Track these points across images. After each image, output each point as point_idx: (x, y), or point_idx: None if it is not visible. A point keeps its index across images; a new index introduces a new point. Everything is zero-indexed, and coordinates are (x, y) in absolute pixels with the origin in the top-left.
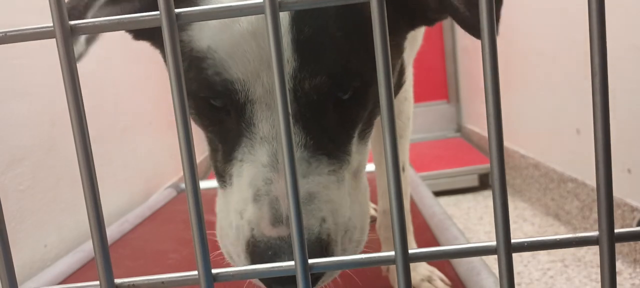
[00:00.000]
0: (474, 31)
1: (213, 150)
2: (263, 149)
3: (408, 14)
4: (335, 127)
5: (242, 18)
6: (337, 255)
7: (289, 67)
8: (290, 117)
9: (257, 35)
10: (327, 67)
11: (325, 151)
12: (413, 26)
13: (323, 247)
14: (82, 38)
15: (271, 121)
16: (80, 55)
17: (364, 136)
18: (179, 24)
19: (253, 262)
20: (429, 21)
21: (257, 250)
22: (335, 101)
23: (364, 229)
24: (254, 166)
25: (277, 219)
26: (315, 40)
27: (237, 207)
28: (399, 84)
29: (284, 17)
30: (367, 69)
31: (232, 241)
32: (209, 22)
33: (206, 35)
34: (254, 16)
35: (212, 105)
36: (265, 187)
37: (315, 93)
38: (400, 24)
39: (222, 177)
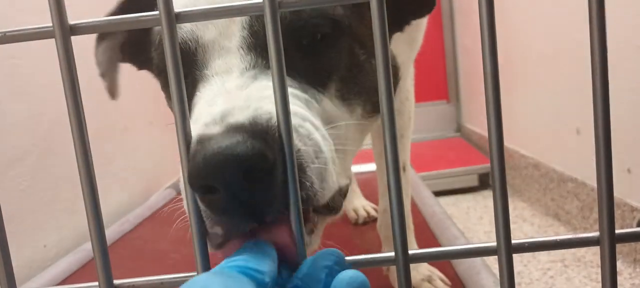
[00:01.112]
0: None
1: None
2: (213, 83)
3: (400, 12)
4: (301, 69)
5: None
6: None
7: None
8: (290, 117)
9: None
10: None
11: (295, 74)
12: (406, 23)
13: (263, 133)
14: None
15: (224, 58)
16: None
17: (345, 100)
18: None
19: (191, 166)
20: (418, 12)
21: (193, 154)
22: (300, 45)
23: (337, 171)
24: (202, 100)
25: (210, 122)
26: None
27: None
28: (396, 80)
29: None
30: (340, 16)
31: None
32: None
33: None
34: None
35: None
36: (207, 108)
37: (282, 25)
38: (395, 23)
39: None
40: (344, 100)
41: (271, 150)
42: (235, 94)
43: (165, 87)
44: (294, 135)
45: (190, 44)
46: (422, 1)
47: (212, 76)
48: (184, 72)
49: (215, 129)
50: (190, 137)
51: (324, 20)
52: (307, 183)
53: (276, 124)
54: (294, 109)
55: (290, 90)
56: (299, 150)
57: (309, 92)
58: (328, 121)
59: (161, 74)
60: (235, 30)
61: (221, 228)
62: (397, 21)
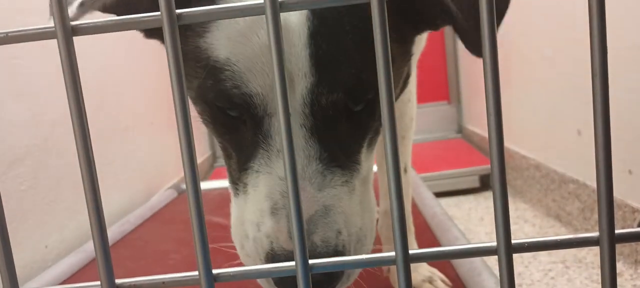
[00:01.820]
0: (472, 46)
1: (227, 156)
2: (280, 162)
3: (412, 19)
4: (347, 138)
5: (262, 31)
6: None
7: (306, 82)
8: (291, 117)
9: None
10: (343, 83)
11: (338, 163)
12: (418, 30)
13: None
14: (76, 3)
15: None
16: (74, 18)
17: (371, 144)
18: (195, 30)
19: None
20: (435, 26)
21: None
22: (348, 113)
23: (373, 235)
24: (271, 178)
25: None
26: (333, 56)
27: (254, 218)
28: (405, 86)
29: (302, 31)
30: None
31: (249, 252)
32: (228, 32)
33: (225, 46)
34: None
35: (228, 114)
36: (282, 200)
37: (331, 108)
38: (407, 31)
39: (236, 184)
40: (370, 145)
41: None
42: (309, 193)
43: (213, 121)
44: (353, 249)
45: (258, 109)
46: (438, 25)
47: (278, 152)
48: (241, 116)
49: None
50: (191, 137)
51: (369, 90)
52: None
53: (350, 247)
54: (357, 216)
55: (339, 177)
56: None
57: (352, 167)
58: (364, 184)
59: (211, 107)
60: (296, 106)
61: None
62: (415, 22)
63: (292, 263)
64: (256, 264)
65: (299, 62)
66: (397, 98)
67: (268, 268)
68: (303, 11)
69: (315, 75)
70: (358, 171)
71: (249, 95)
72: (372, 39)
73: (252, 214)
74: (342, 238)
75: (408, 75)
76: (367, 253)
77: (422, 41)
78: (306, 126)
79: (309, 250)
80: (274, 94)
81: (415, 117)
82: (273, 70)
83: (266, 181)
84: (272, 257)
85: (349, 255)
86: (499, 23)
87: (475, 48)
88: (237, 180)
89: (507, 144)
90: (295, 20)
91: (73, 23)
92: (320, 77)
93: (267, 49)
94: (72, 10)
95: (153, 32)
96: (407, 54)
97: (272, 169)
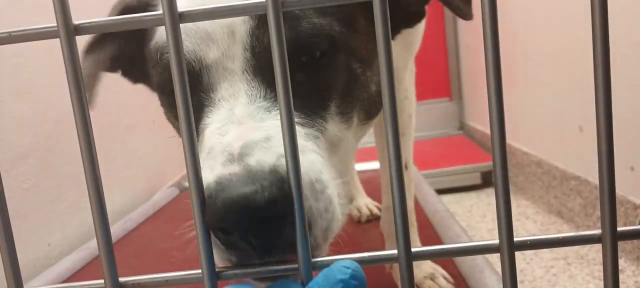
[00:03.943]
0: (459, 11)
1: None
2: (221, 109)
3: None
4: (304, 92)
5: None
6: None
7: (246, 26)
8: (293, 117)
9: (206, 5)
10: (289, 24)
11: (295, 110)
12: (396, 30)
13: (281, 182)
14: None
15: (229, 81)
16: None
17: (346, 118)
18: (147, 37)
19: (210, 207)
20: (410, 23)
21: (209, 194)
22: (300, 64)
23: (340, 204)
24: (211, 126)
25: (227, 159)
26: None
27: (205, 165)
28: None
29: None
30: (337, 33)
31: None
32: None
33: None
34: None
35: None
36: (218, 139)
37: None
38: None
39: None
40: (343, 115)
41: (288, 200)
42: (249, 125)
43: (168, 106)
44: (308, 191)
45: (193, 64)
46: (412, 13)
47: (219, 100)
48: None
49: (234, 169)
50: (194, 135)
51: (321, 38)
52: (311, 240)
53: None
54: (312, 158)
55: (299, 127)
56: (310, 207)
57: (315, 119)
58: (332, 149)
59: (163, 93)
60: (237, 51)
61: (230, 261)
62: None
63: (295, 266)
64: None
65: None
66: (377, 87)
67: (269, 269)
68: None
69: (256, 17)
70: (322, 126)
71: (189, 61)
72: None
73: (203, 164)
74: (283, 164)
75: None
76: (332, 214)
77: (414, 44)
78: (248, 70)
79: (244, 175)
80: (211, 45)
81: (414, 114)
82: (207, 25)
83: (208, 132)
84: (207, 193)
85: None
86: None
87: (462, 11)
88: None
89: (509, 140)
90: None
91: (75, 22)
92: (262, 17)
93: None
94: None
95: (139, 79)
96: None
97: (214, 118)
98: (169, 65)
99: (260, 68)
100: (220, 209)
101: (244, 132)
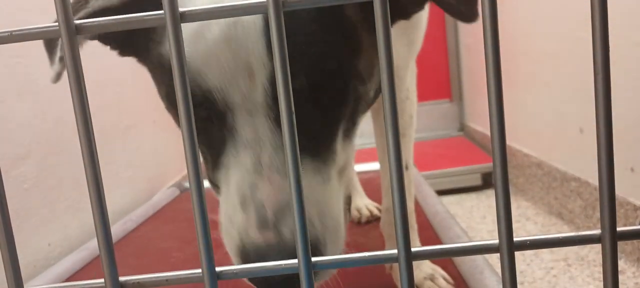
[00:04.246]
0: (461, 15)
1: (204, 159)
2: (246, 154)
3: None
4: (317, 127)
5: (214, 25)
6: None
7: (266, 71)
8: (294, 116)
9: (230, 42)
10: (304, 68)
11: (308, 151)
12: (392, 23)
13: (312, 251)
14: (56, 57)
15: (253, 126)
16: (59, 75)
17: (348, 134)
18: (155, 39)
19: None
20: (406, 15)
21: (245, 256)
22: (314, 100)
23: (344, 227)
24: (239, 171)
25: (263, 225)
26: (293, 42)
27: (228, 213)
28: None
29: (257, 20)
30: (346, 65)
31: (229, 248)
32: (186, 30)
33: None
34: (225, 22)
35: (196, 114)
36: (250, 192)
37: (295, 95)
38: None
39: (213, 183)
40: (348, 133)
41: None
42: (278, 184)
43: (170, 105)
44: (323, 230)
45: (218, 104)
46: (410, 7)
47: (244, 144)
48: (207, 115)
49: (269, 237)
50: (194, 135)
51: (333, 77)
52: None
53: (325, 239)
54: (333, 207)
55: (312, 173)
56: (324, 242)
57: (327, 155)
58: (341, 172)
59: (173, 106)
60: (259, 96)
61: None
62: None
63: (295, 261)
64: (236, 261)
65: (256, 51)
66: (376, 92)
67: (271, 265)
68: None
69: (270, 67)
70: (333, 161)
71: (208, 91)
72: (337, 22)
73: (227, 210)
74: (315, 231)
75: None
76: (342, 244)
77: (416, 42)
78: (270, 116)
79: (278, 244)
80: (233, 87)
81: (415, 114)
82: (231, 66)
83: (235, 175)
84: (242, 251)
85: (324, 248)
86: None
87: (463, 15)
88: (213, 179)
89: (509, 142)
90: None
91: (77, 22)
92: None
93: (222, 43)
94: (54, 68)
95: (126, 50)
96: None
97: (240, 162)
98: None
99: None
100: (262, 282)
101: (275, 193)
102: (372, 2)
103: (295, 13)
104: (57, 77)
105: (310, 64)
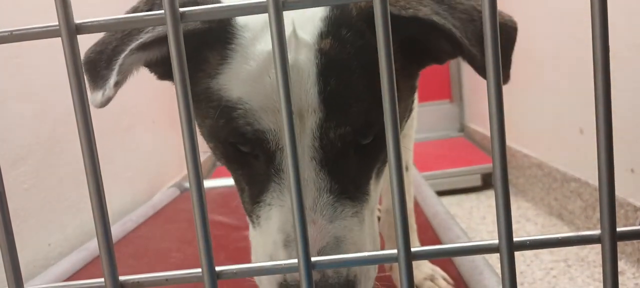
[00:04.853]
0: (481, 70)
1: (240, 189)
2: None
3: (418, 57)
4: (356, 171)
5: (272, 71)
6: None
7: (315, 117)
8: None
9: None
10: (350, 118)
11: (348, 194)
12: (422, 65)
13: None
14: (112, 81)
15: (301, 167)
16: (109, 99)
17: (379, 174)
18: (206, 71)
19: None
20: (440, 61)
21: None
22: (356, 146)
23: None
24: (283, 211)
25: None
26: (341, 93)
27: (268, 250)
28: (410, 115)
29: (311, 70)
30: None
31: (265, 284)
32: (240, 73)
33: (237, 86)
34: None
35: (240, 149)
36: (294, 232)
37: (340, 141)
38: (412, 68)
39: (251, 217)
40: (378, 175)
41: None
42: (320, 225)
43: (223, 157)
44: (360, 270)
45: (270, 144)
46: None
47: (288, 185)
48: (255, 153)
49: (314, 277)
50: (195, 135)
51: (376, 125)
52: None
53: (361, 278)
54: (367, 247)
55: (353, 217)
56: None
57: (362, 197)
58: (371, 212)
59: (219, 142)
60: (307, 140)
61: None
62: (421, 59)
63: (294, 260)
64: None
65: (308, 99)
66: (402, 128)
67: (270, 265)
68: (312, 49)
69: (323, 111)
70: (367, 201)
71: (262, 132)
72: (377, 75)
73: (266, 246)
74: (354, 269)
75: (412, 109)
76: (373, 281)
77: None
78: (316, 159)
79: (321, 282)
80: (281, 128)
81: (415, 115)
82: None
83: (278, 214)
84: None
85: (360, 285)
86: (510, 51)
87: (484, 70)
88: (251, 212)
89: (510, 142)
90: (304, 59)
91: (77, 21)
92: (329, 112)
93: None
94: (108, 93)
95: (166, 75)
96: (413, 89)
97: (284, 202)
98: (225, 114)
99: (326, 160)
100: None
101: (318, 234)
102: (400, 50)
103: (342, 67)
104: (107, 102)
105: (355, 115)
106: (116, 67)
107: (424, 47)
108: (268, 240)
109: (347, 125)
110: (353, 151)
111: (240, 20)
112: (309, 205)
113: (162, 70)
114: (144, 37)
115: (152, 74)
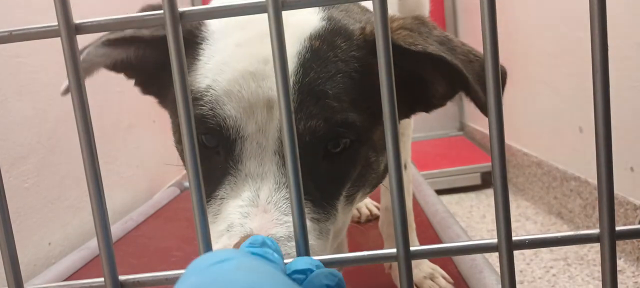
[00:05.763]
0: (483, 106)
1: None
2: (246, 186)
3: (408, 102)
4: (323, 179)
5: (245, 58)
6: None
7: None
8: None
9: (256, 76)
10: (324, 113)
11: (310, 197)
12: (413, 112)
13: None
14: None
15: (259, 159)
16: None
17: (351, 199)
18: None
19: None
20: (428, 109)
21: None
22: (325, 152)
23: None
24: (233, 202)
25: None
26: (318, 86)
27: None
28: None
29: (292, 61)
30: (364, 129)
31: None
32: (213, 63)
33: (207, 75)
34: (255, 58)
35: (204, 144)
36: (240, 220)
37: (308, 134)
38: (401, 112)
39: (209, 216)
40: (349, 198)
41: None
42: (273, 216)
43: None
44: None
45: (231, 132)
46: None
47: (246, 176)
48: (213, 145)
49: None
50: (194, 135)
51: (350, 132)
52: None
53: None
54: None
55: (315, 223)
56: None
57: (328, 211)
58: (337, 233)
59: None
60: (272, 130)
61: None
62: (411, 105)
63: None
64: None
65: None
66: (386, 168)
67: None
68: (299, 42)
69: (296, 102)
70: (334, 217)
71: (223, 118)
72: (367, 90)
73: (213, 239)
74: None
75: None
76: None
77: None
78: (280, 153)
79: None
80: (250, 117)
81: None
82: (252, 97)
83: (227, 206)
84: None
85: None
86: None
87: (485, 108)
88: (209, 212)
89: (509, 141)
90: (289, 50)
91: (77, 21)
92: (301, 105)
93: (248, 74)
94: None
95: (149, 90)
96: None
97: (237, 194)
98: (195, 112)
99: None
100: None
101: (267, 224)
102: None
103: (327, 64)
104: (67, 91)
105: (329, 111)
106: (82, 55)
107: (417, 89)
108: (214, 233)
109: (319, 119)
110: (321, 155)
111: (212, 24)
112: (262, 197)
113: (144, 79)
114: (111, 36)
115: (137, 87)
